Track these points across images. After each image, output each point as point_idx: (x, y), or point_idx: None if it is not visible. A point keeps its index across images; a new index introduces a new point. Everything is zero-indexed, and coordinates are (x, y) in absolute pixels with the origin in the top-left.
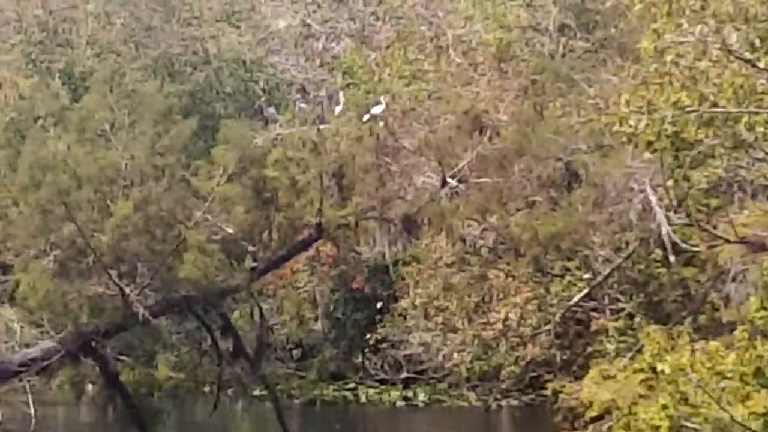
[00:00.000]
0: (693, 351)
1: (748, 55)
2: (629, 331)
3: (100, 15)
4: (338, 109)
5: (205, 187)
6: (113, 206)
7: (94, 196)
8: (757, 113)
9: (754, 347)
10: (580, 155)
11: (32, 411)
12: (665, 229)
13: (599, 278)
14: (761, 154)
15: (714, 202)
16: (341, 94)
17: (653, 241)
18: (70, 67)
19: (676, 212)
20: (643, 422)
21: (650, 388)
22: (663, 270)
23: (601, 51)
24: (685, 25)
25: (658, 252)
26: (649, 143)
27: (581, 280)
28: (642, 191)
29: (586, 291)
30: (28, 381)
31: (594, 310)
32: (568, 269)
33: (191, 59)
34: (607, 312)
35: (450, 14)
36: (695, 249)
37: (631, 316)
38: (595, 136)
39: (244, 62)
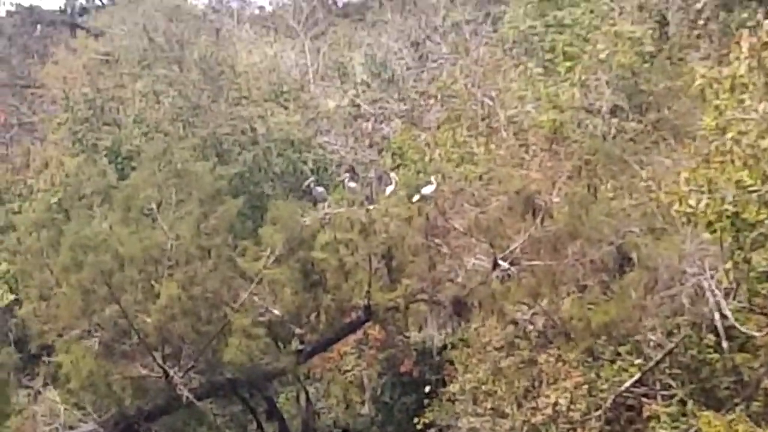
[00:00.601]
0: None
1: None
2: (681, 417)
3: (148, 94)
4: (389, 189)
5: (252, 268)
6: (158, 287)
7: (138, 277)
8: None
9: None
10: (632, 238)
11: None
12: (718, 314)
13: (651, 363)
14: None
15: None
16: (392, 174)
17: (706, 326)
18: (117, 146)
19: (729, 296)
20: None
21: None
22: (716, 356)
23: (653, 133)
24: (748, 102)
25: (711, 337)
26: (709, 223)
27: (632, 365)
28: (695, 275)
29: (637, 376)
30: None
31: (645, 395)
32: (618, 354)
33: (239, 139)
34: (659, 398)
35: (502, 94)
36: (750, 334)
37: (683, 402)
38: (647, 218)
39: (293, 142)
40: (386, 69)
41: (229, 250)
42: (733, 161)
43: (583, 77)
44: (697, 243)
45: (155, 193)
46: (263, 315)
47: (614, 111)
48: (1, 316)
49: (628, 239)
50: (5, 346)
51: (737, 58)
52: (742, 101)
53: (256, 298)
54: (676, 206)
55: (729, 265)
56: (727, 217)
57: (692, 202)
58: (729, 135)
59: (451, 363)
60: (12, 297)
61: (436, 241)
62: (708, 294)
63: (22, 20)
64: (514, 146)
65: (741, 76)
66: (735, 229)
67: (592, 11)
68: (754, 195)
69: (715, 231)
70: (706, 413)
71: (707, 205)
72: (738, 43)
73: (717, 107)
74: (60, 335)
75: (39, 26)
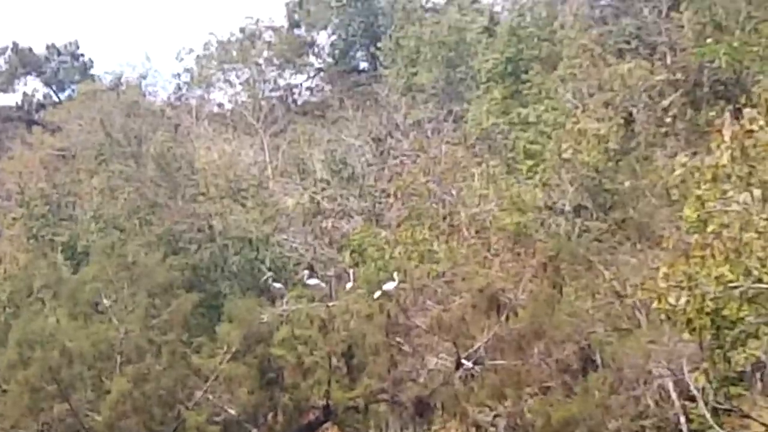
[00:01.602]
0: None
1: None
2: None
3: (105, 190)
4: (348, 285)
5: (208, 365)
6: (108, 383)
7: (87, 373)
8: None
9: None
10: (596, 338)
11: None
12: (683, 417)
13: None
14: None
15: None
16: (351, 271)
17: (670, 429)
18: (74, 241)
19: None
20: None
21: None
22: None
23: (618, 232)
24: (730, 192)
25: None
26: (689, 321)
27: None
28: (660, 376)
29: None
30: None
31: None
32: None
33: (196, 236)
34: None
35: (464, 192)
36: None
37: None
38: (611, 318)
39: (251, 240)
40: (346, 166)
41: (184, 346)
42: (714, 255)
43: (546, 176)
44: (663, 343)
45: (105, 287)
46: (218, 414)
47: (578, 210)
48: None
49: (593, 339)
50: None
51: (719, 147)
52: (724, 192)
53: (211, 396)
54: (654, 304)
55: (706, 364)
56: (707, 314)
57: (671, 299)
58: (710, 228)
59: None
60: None
61: (398, 339)
62: (673, 396)
63: None
64: (476, 245)
65: (723, 165)
66: (715, 326)
67: (555, 108)
68: (736, 291)
69: (694, 329)
70: None
71: (687, 302)
72: (719, 131)
73: (699, 197)
74: None
75: None
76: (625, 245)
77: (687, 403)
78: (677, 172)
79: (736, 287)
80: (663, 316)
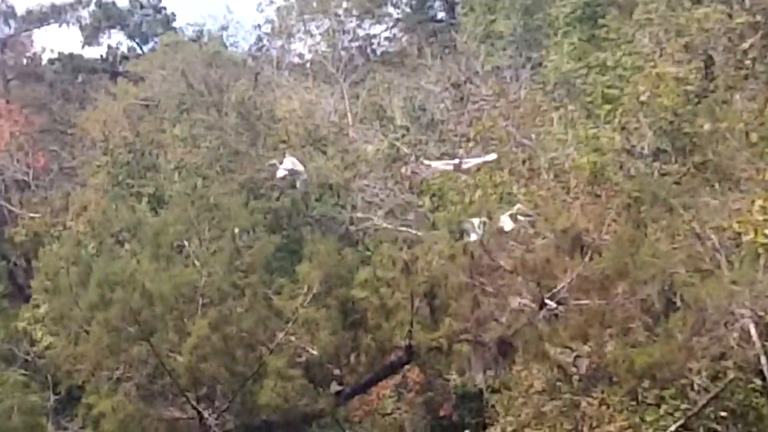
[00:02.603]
0: None
1: None
2: None
3: (187, 139)
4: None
5: (289, 307)
6: (190, 326)
7: (168, 315)
8: None
9: None
10: (679, 279)
11: None
12: (765, 357)
13: (696, 408)
14: None
15: None
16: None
17: (752, 369)
18: (159, 190)
19: None
20: None
21: None
22: (762, 400)
23: (697, 175)
24: None
25: (758, 381)
26: None
27: (677, 409)
28: (743, 317)
29: (682, 421)
30: None
31: None
32: (663, 398)
33: (278, 184)
34: None
35: (542, 137)
36: None
37: None
38: (693, 259)
39: (331, 186)
40: (426, 112)
41: (265, 288)
42: None
43: (624, 120)
44: (746, 283)
45: (187, 230)
46: (300, 356)
47: (657, 153)
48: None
49: (675, 279)
50: (43, 389)
51: None
52: None
53: (292, 338)
54: (750, 236)
55: None
56: None
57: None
58: None
59: (493, 406)
60: (51, 339)
61: (481, 280)
62: (755, 337)
63: (63, 67)
64: (556, 188)
65: None
66: None
67: (633, 52)
68: None
69: None
70: None
71: None
72: None
73: None
74: (90, 374)
75: (80, 74)
76: (704, 188)
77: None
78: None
79: None
80: (760, 250)
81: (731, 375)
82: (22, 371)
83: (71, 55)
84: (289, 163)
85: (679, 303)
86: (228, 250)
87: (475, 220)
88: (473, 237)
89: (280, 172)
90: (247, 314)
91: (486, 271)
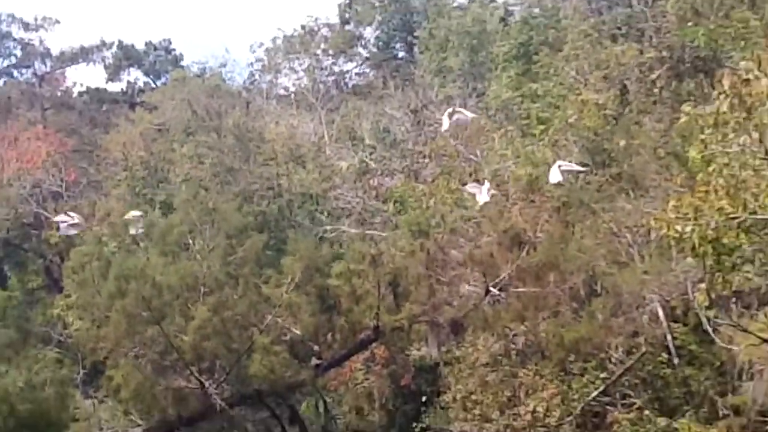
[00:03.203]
0: None
1: None
2: (639, 422)
3: (192, 157)
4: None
5: (275, 294)
6: (193, 311)
7: (175, 302)
8: None
9: None
10: (599, 270)
11: None
12: (670, 335)
13: (613, 377)
14: None
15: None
16: (484, 187)
17: (660, 345)
18: (168, 199)
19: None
20: None
21: None
22: (668, 370)
23: (614, 184)
24: (730, 136)
25: (664, 355)
26: (693, 247)
27: (598, 378)
28: (652, 302)
29: (602, 388)
30: None
31: (609, 404)
32: (586, 369)
33: (266, 193)
34: (620, 406)
35: (486, 153)
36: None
37: (640, 410)
38: (611, 254)
39: (311, 195)
40: (389, 134)
41: (255, 278)
42: (715, 191)
43: (554, 138)
44: (655, 273)
45: (190, 230)
46: (285, 335)
47: (584, 168)
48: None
49: (597, 270)
50: (73, 365)
51: (719, 95)
52: (725, 135)
53: (278, 320)
54: (663, 231)
55: (706, 285)
56: (709, 241)
57: (679, 228)
58: (712, 167)
59: (445, 377)
60: (79, 323)
61: (436, 271)
62: (662, 317)
63: (90, 99)
64: (497, 195)
65: (723, 112)
66: (716, 252)
67: (561, 83)
68: (735, 222)
69: (698, 255)
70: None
71: (692, 230)
72: (720, 81)
73: (702, 141)
74: (111, 352)
75: (104, 104)
76: (620, 194)
77: (672, 323)
78: (683, 120)
79: (734, 218)
80: (672, 243)
81: (643, 350)
82: (57, 350)
83: (97, 88)
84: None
85: (599, 290)
86: (224, 247)
87: (485, 185)
88: (481, 199)
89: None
90: (240, 300)
91: (440, 264)
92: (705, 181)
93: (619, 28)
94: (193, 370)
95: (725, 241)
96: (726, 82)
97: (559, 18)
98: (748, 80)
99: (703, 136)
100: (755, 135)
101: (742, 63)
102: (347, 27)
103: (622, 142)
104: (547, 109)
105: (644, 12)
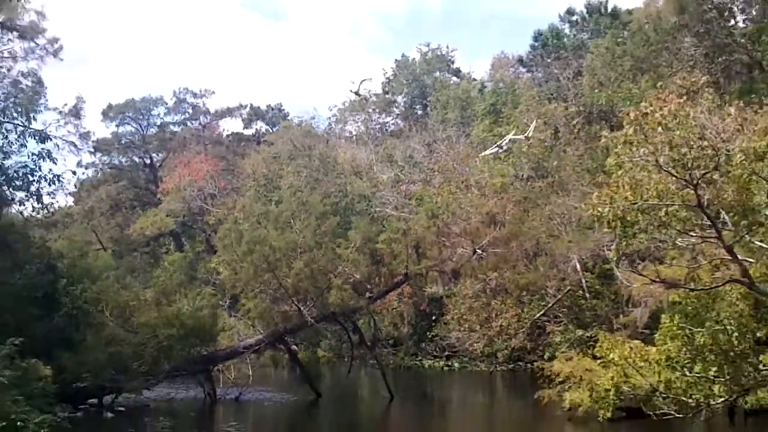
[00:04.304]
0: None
1: (670, 169)
2: (565, 332)
3: (294, 173)
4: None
5: (344, 254)
6: (294, 264)
7: (283, 258)
8: (669, 205)
9: (669, 343)
10: (542, 239)
11: (250, 372)
12: (583, 280)
13: (549, 305)
14: (673, 232)
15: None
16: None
17: (577, 285)
18: (280, 198)
19: (589, 271)
20: (598, 386)
21: (604, 367)
22: (582, 301)
23: (549, 188)
24: (634, 149)
25: (581, 293)
26: (608, 223)
27: (540, 305)
28: (573, 259)
29: (542, 311)
30: (248, 357)
31: (547, 321)
32: (533, 300)
33: (338, 194)
34: (553, 323)
35: (472, 169)
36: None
37: (566, 325)
38: (549, 230)
39: (365, 195)
40: (412, 158)
41: (331, 244)
42: (623, 186)
43: (513, 161)
44: (575, 242)
45: (292, 214)
46: (350, 278)
47: (530, 178)
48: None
49: (541, 239)
50: (222, 297)
51: (626, 124)
52: (630, 149)
53: (346, 270)
54: (590, 211)
55: (615, 246)
56: (619, 218)
57: (600, 209)
58: (621, 170)
59: (447, 304)
60: (226, 272)
61: (443, 238)
62: (578, 268)
63: (233, 139)
64: (479, 194)
65: (630, 134)
66: (622, 225)
67: (519, 127)
68: (635, 206)
69: (611, 227)
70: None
71: (608, 211)
72: (628, 114)
73: (616, 153)
74: (243, 289)
75: (242, 142)
76: (554, 194)
77: (585, 272)
78: (602, 141)
79: (634, 204)
80: (594, 219)
81: (567, 288)
82: (211, 288)
83: (237, 133)
84: None
85: (541, 252)
86: (313, 225)
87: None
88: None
89: None
90: (322, 257)
91: (445, 234)
92: (616, 179)
93: (552, 94)
94: (293, 300)
95: (628, 218)
96: (632, 115)
97: (516, 88)
98: (646, 114)
99: (616, 150)
100: (650, 149)
101: (642, 104)
102: (386, 95)
103: (555, 162)
104: (510, 143)
105: (568, 83)
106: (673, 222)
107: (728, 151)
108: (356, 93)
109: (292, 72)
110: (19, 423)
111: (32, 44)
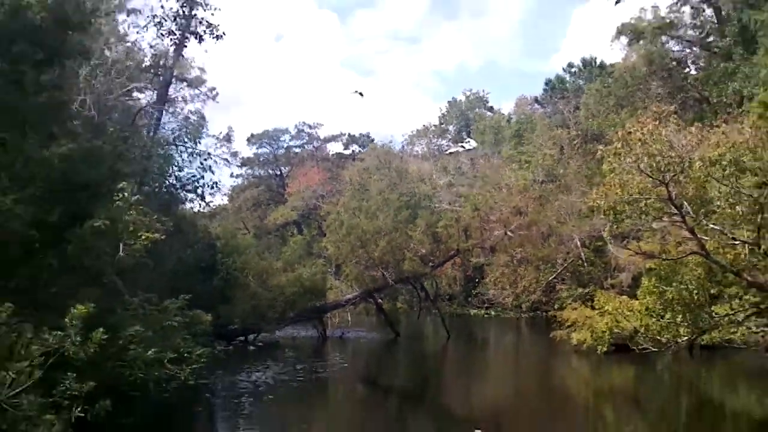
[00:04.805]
0: (618, 300)
1: (648, 172)
2: (568, 291)
3: (378, 179)
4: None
5: (414, 235)
6: (379, 241)
7: (371, 239)
8: (647, 199)
9: (647, 298)
10: (553, 225)
11: (349, 318)
12: (582, 253)
13: (558, 271)
14: (650, 218)
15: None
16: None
17: (577, 257)
18: (369, 198)
19: (586, 247)
20: (596, 330)
21: (601, 315)
22: (582, 268)
23: (558, 189)
24: (621, 158)
25: (580, 261)
26: (604, 211)
27: (552, 271)
28: (575, 237)
29: (554, 275)
30: (348, 308)
31: (557, 282)
32: (546, 268)
33: (409, 194)
34: (561, 283)
35: (502, 175)
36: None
37: (570, 284)
38: (560, 218)
39: (429, 197)
40: (460, 169)
41: (404, 228)
42: (614, 185)
43: (531, 170)
44: (577, 226)
45: (378, 208)
46: (417, 253)
47: (544, 181)
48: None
49: (552, 225)
50: (329, 266)
51: (617, 139)
52: (619, 158)
53: (415, 246)
54: (591, 203)
55: (608, 229)
56: (612, 208)
57: (598, 202)
58: (612, 174)
59: (486, 271)
60: (332, 248)
61: (483, 224)
62: (579, 245)
63: (336, 157)
64: (510, 192)
65: (618, 147)
66: (614, 213)
67: (537, 146)
68: (623, 199)
69: (605, 214)
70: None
71: (603, 203)
72: (616, 133)
73: (609, 161)
74: (344, 260)
75: (343, 159)
76: (561, 193)
77: (584, 248)
78: (597, 153)
79: (622, 199)
80: (594, 208)
81: (571, 258)
82: (322, 260)
83: (339, 153)
84: None
85: (553, 234)
86: (391, 215)
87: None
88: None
89: None
90: (398, 237)
91: (485, 221)
92: (609, 181)
93: (559, 123)
94: (379, 267)
95: (618, 208)
96: (620, 134)
97: (533, 119)
98: (630, 133)
99: (608, 159)
100: (633, 158)
101: (626, 126)
102: (441, 125)
103: (561, 170)
104: (529, 158)
105: (570, 115)
106: (650, 211)
107: (690, 159)
108: (360, 93)
109: (377, 111)
110: (185, 354)
111: (197, 91)
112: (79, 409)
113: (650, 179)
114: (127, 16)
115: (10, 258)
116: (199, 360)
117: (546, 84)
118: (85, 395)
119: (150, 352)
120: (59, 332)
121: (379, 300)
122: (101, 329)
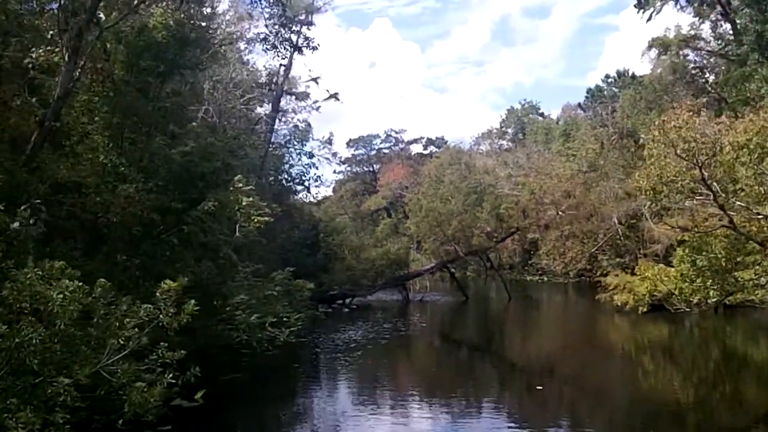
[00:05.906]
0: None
1: (683, 156)
2: (608, 260)
3: (451, 172)
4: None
5: (481, 217)
6: (451, 221)
7: (445, 219)
8: (683, 180)
9: (681, 265)
10: (595, 205)
11: (428, 284)
12: (619, 230)
13: (599, 244)
14: (684, 197)
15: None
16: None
17: (616, 231)
18: (443, 187)
19: (622, 224)
20: (637, 292)
21: (641, 280)
22: (618, 241)
23: (599, 177)
24: (660, 145)
25: (618, 235)
26: (646, 192)
27: (594, 244)
28: (613, 217)
29: (596, 247)
30: (427, 276)
31: (598, 252)
32: (590, 241)
33: (477, 184)
34: (601, 254)
35: (552, 166)
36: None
37: (609, 255)
38: (600, 201)
39: (492, 185)
40: (517, 163)
41: (473, 211)
42: (653, 168)
43: (577, 161)
44: (615, 207)
45: (451, 195)
46: (483, 230)
47: (587, 171)
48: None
49: (596, 206)
50: (411, 242)
51: (655, 129)
52: (657, 145)
53: (482, 225)
54: (635, 184)
55: (647, 206)
56: (653, 189)
57: (641, 183)
58: (652, 159)
59: (540, 244)
60: (413, 227)
61: (538, 206)
62: (616, 223)
63: (418, 155)
64: (559, 180)
65: (656, 135)
66: (654, 193)
67: (581, 142)
68: (661, 180)
69: (646, 193)
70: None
71: (645, 183)
72: (654, 123)
73: (648, 148)
74: (423, 237)
75: (422, 156)
76: (601, 180)
77: (620, 225)
78: (641, 142)
79: (661, 179)
80: (638, 191)
81: (610, 233)
82: (406, 238)
83: (420, 152)
84: None
85: (597, 213)
86: (461, 199)
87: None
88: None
89: None
90: (468, 218)
91: (540, 203)
92: (648, 164)
93: (599, 123)
94: (452, 243)
95: (657, 188)
96: (657, 122)
97: (576, 121)
98: (665, 121)
99: (648, 146)
100: (670, 144)
101: (663, 116)
102: (502, 129)
103: (602, 162)
104: (575, 152)
105: (608, 117)
106: (684, 191)
107: (721, 144)
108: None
109: (450, 119)
110: (284, 318)
111: (303, 104)
112: (170, 375)
113: (685, 162)
114: (247, 44)
115: (133, 238)
116: (296, 323)
117: (587, 92)
118: (177, 362)
119: (253, 318)
120: (150, 305)
121: (452, 269)
122: (193, 301)
